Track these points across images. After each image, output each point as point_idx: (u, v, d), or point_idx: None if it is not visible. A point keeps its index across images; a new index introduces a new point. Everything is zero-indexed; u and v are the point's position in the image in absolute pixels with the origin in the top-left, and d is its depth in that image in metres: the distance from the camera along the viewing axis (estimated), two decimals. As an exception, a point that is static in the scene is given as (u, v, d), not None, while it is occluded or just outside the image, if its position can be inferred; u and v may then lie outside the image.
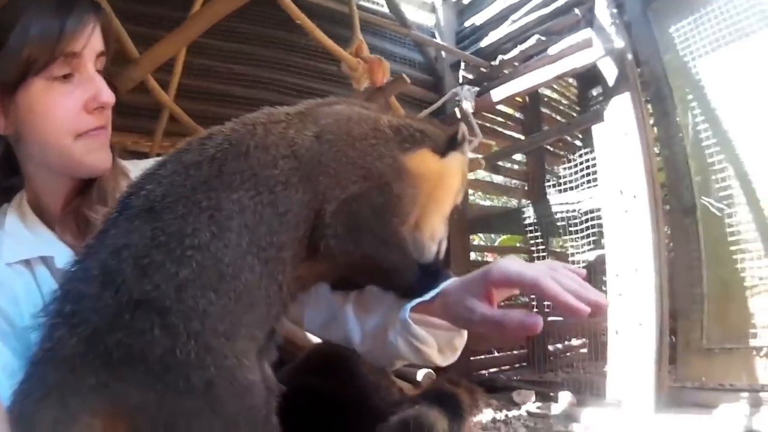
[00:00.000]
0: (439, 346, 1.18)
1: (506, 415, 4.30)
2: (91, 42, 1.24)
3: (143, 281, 0.83)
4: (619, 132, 4.20)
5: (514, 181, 6.72)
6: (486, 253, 7.74)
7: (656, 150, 4.31)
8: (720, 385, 3.81)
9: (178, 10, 3.20)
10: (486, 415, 4.27)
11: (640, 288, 3.98)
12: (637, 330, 3.95)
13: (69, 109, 1.22)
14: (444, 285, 1.11)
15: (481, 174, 6.50)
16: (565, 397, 4.39)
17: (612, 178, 4.29)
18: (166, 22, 3.11)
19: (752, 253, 3.80)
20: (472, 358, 5.60)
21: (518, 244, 7.01)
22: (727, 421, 3.41)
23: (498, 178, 6.97)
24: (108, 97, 1.26)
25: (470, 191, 6.24)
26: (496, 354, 5.96)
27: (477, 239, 8.37)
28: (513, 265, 1.00)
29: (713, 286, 3.98)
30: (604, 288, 4.35)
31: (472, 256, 6.77)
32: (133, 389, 0.80)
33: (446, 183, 1.25)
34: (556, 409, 4.33)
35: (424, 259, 1.21)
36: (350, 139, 1.09)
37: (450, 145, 1.25)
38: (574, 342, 5.82)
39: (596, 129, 4.45)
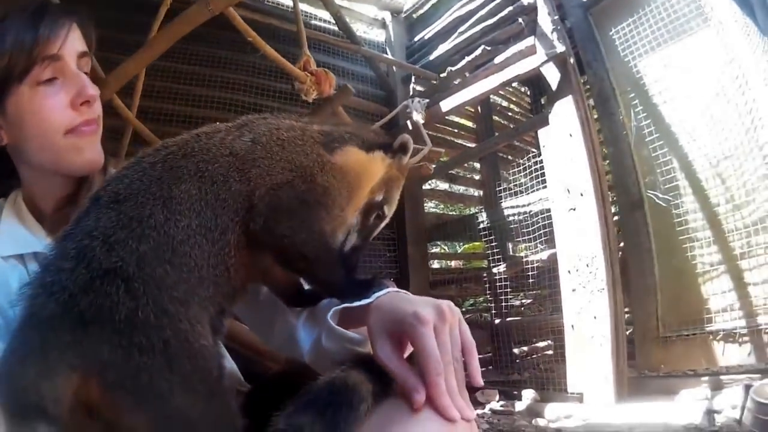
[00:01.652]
0: None
1: (469, 414, 4.23)
2: (68, 43, 1.30)
3: (111, 255, 0.94)
4: (563, 133, 4.23)
5: (470, 189, 6.71)
6: (450, 261, 7.73)
7: (603, 149, 4.34)
8: (683, 372, 3.80)
9: (138, 35, 3.28)
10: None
11: (593, 282, 3.99)
12: (593, 323, 3.96)
13: (56, 108, 1.28)
14: (378, 295, 1.13)
15: (438, 184, 6.51)
16: (528, 395, 4.36)
17: (559, 179, 4.32)
18: (126, 47, 3.17)
19: (701, 241, 3.82)
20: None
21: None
22: (687, 405, 3.39)
23: (456, 188, 6.97)
24: (93, 90, 1.32)
25: (426, 200, 6.21)
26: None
27: (441, 249, 8.36)
28: (424, 330, 0.99)
29: (666, 276, 3.99)
30: (554, 289, 4.37)
31: (437, 264, 6.76)
32: (103, 345, 0.87)
33: (365, 175, 1.34)
34: (520, 406, 4.30)
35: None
36: (279, 141, 1.22)
37: (380, 146, 1.37)
38: (540, 344, 5.77)
39: (542, 132, 4.46)
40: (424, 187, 5.98)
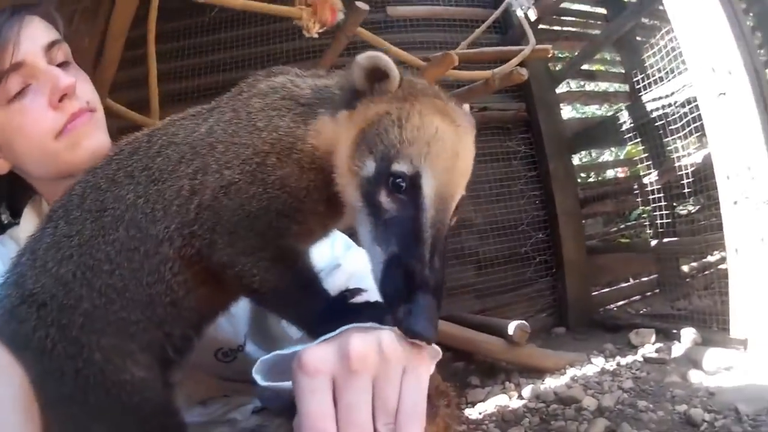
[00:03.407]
0: None
1: (618, 363, 3.49)
2: (25, 43, 1.14)
3: (34, 280, 0.93)
4: (693, -5, 3.08)
5: (613, 84, 5.52)
6: (618, 169, 6.56)
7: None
8: None
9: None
10: (595, 365, 3.54)
11: (757, 193, 2.91)
12: (759, 247, 2.93)
13: (38, 117, 1.15)
14: (343, 329, 0.79)
15: (574, 84, 5.49)
16: (688, 335, 3.44)
17: (700, 56, 3.20)
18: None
19: None
20: (594, 293, 4.68)
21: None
22: None
23: (597, 85, 5.83)
24: (67, 80, 1.17)
25: (562, 105, 5.20)
26: (625, 284, 4.97)
27: (611, 154, 7.16)
28: (303, 382, 0.74)
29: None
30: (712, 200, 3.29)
31: (610, 173, 5.81)
32: (27, 364, 0.80)
33: (339, 152, 0.92)
34: (677, 350, 3.43)
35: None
36: (247, 114, 0.96)
37: (345, 101, 0.93)
38: (711, 258, 4.62)
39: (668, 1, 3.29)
40: (558, 91, 4.97)
